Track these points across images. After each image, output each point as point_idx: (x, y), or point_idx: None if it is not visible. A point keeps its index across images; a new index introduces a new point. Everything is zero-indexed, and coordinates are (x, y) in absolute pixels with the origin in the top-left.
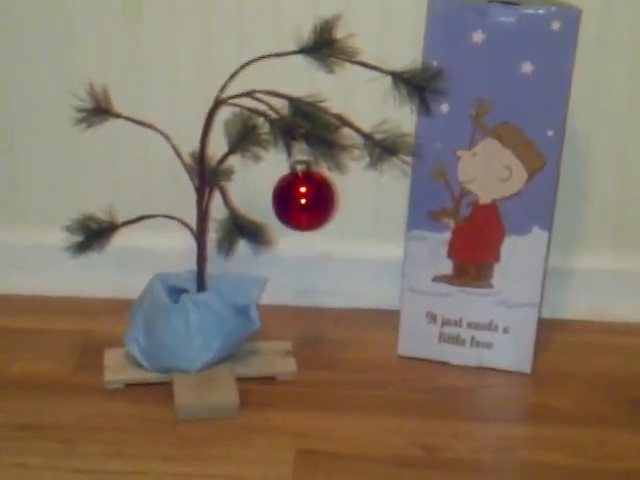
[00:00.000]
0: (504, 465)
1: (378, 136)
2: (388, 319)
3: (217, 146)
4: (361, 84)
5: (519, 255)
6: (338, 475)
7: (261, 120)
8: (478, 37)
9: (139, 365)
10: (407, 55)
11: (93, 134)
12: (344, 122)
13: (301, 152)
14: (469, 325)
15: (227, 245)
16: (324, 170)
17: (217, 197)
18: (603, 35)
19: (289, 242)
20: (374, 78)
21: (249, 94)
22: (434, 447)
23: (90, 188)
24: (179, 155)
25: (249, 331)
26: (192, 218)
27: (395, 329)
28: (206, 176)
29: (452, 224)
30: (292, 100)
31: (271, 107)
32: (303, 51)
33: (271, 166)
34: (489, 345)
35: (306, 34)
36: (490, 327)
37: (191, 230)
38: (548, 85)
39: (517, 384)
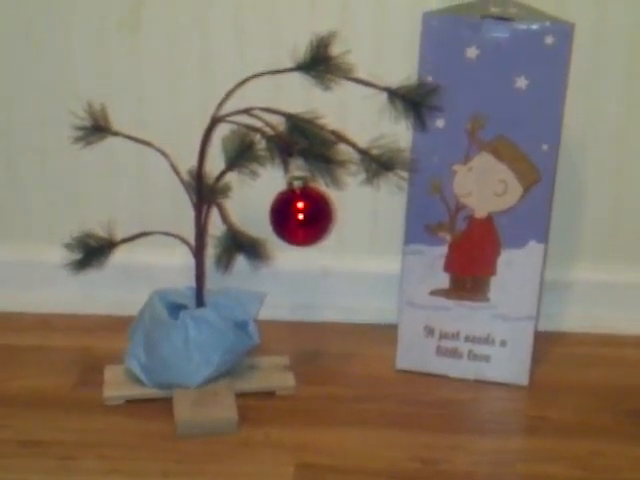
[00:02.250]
0: (503, 477)
1: (374, 152)
2: (386, 333)
3: (215, 163)
4: (357, 100)
5: (515, 268)
6: None
7: (258, 137)
8: (472, 53)
9: (139, 381)
10: (402, 71)
11: (92, 152)
12: (340, 138)
13: (298, 168)
14: (466, 338)
15: (225, 261)
16: (321, 186)
17: (215, 214)
18: (597, 48)
19: (287, 257)
20: (370, 94)
21: (246, 111)
22: (433, 460)
23: (89, 205)
24: (177, 172)
25: (248, 346)
26: (190, 235)
27: (393, 343)
28: (204, 193)
29: (449, 238)
30: (289, 117)
31: (268, 124)
32: (299, 68)
33: (268, 182)
34: (487, 358)
35: (302, 51)
36: (487, 340)
37: (190, 246)
38: (542, 99)
39: (515, 397)
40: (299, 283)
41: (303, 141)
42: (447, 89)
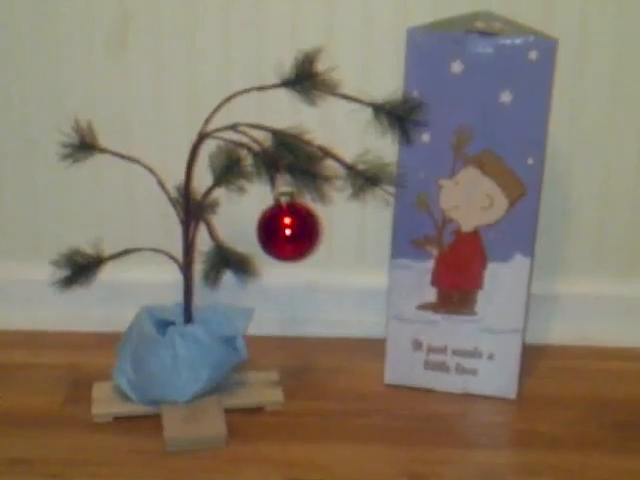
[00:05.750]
0: None
1: (361, 167)
2: (374, 347)
3: (202, 179)
4: (343, 116)
5: (502, 282)
6: None
7: (245, 153)
8: (457, 67)
9: (127, 398)
10: (388, 86)
11: (79, 169)
12: (327, 153)
13: (285, 184)
14: (454, 352)
15: (213, 277)
16: (308, 201)
17: (203, 230)
18: (581, 63)
19: (274, 273)
20: (355, 110)
21: (233, 127)
22: (421, 474)
23: (76, 222)
24: (164, 189)
25: (236, 362)
26: (178, 251)
27: (381, 357)
28: (191, 209)
29: (435, 252)
30: (275, 132)
31: (255, 140)
32: (285, 84)
33: (256, 198)
34: (474, 371)
35: (288, 67)
36: (475, 354)
37: (177, 263)
38: (527, 114)
39: (502, 410)
40: (287, 298)
41: (289, 157)
42: (432, 104)
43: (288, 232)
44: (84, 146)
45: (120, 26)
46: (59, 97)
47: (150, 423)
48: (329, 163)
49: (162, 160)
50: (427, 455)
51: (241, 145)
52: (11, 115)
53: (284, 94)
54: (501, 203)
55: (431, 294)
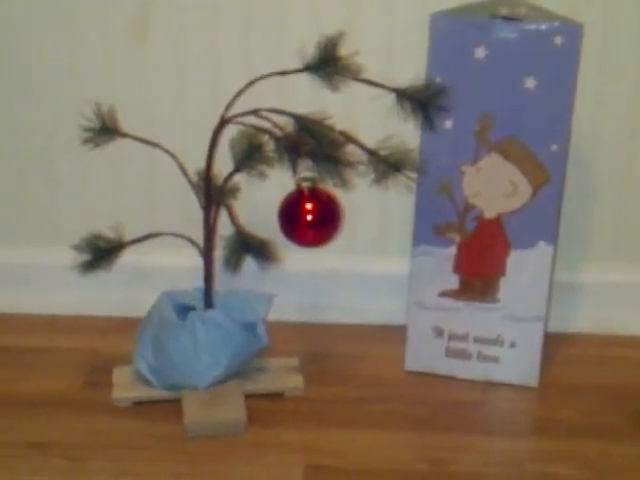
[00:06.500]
0: (511, 478)
1: (383, 152)
2: (395, 334)
3: (223, 164)
4: (365, 101)
5: (524, 269)
6: None
7: (266, 138)
8: (481, 53)
9: (147, 382)
10: (411, 71)
11: (100, 153)
12: (349, 139)
13: (307, 169)
14: (476, 339)
15: (234, 262)
16: (330, 187)
17: (224, 215)
18: (606, 48)
19: (296, 258)
20: (378, 95)
21: (254, 112)
22: (441, 461)
23: (98, 207)
24: (185, 173)
25: (257, 348)
26: (199, 236)
27: (402, 344)
28: (212, 194)
29: (457, 239)
30: (297, 117)
31: (276, 125)
32: (307, 69)
33: (277, 183)
34: (496, 359)
35: (310, 52)
36: (497, 341)
37: (198, 248)
38: (552, 100)
39: (524, 398)
40: (308, 284)
41: (311, 142)
42: (455, 89)
43: (309, 218)
44: (105, 130)
45: (142, 11)
46: (80, 82)
47: (170, 408)
48: (351, 148)
49: (183, 145)
50: (447, 442)
51: (263, 130)
52: (31, 100)
53: (306, 79)
54: (524, 190)
55: (453, 281)
